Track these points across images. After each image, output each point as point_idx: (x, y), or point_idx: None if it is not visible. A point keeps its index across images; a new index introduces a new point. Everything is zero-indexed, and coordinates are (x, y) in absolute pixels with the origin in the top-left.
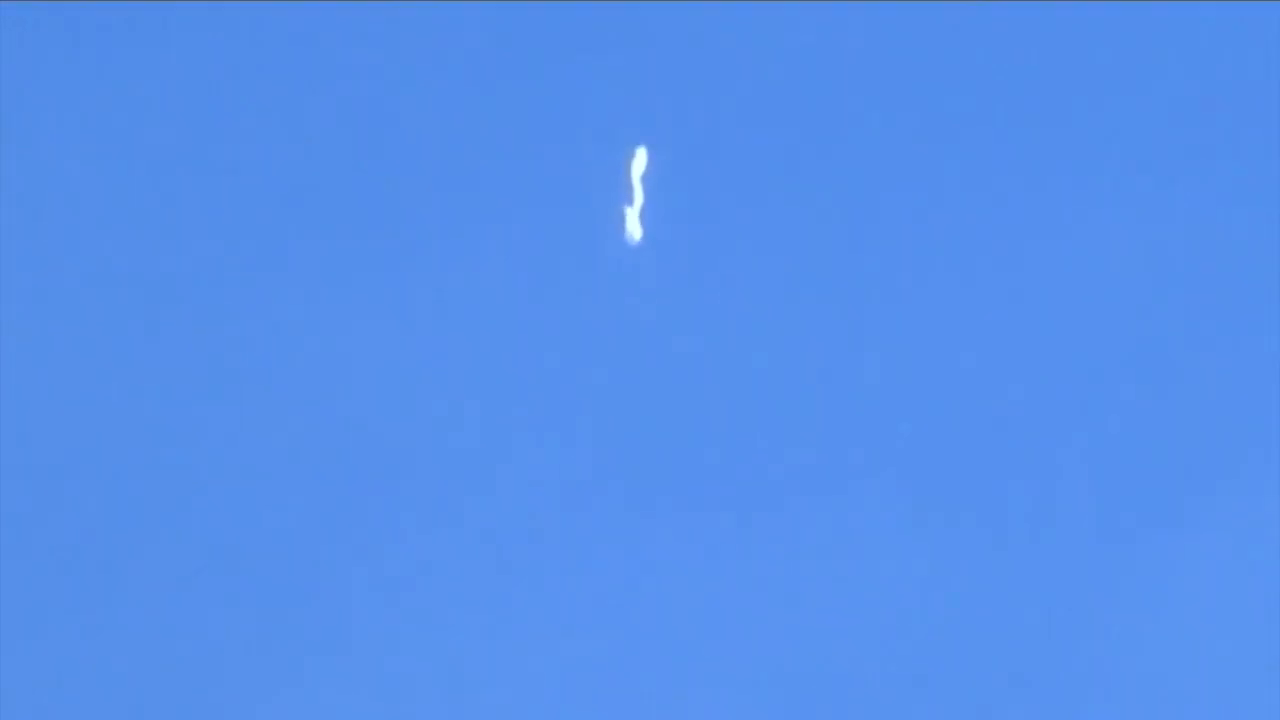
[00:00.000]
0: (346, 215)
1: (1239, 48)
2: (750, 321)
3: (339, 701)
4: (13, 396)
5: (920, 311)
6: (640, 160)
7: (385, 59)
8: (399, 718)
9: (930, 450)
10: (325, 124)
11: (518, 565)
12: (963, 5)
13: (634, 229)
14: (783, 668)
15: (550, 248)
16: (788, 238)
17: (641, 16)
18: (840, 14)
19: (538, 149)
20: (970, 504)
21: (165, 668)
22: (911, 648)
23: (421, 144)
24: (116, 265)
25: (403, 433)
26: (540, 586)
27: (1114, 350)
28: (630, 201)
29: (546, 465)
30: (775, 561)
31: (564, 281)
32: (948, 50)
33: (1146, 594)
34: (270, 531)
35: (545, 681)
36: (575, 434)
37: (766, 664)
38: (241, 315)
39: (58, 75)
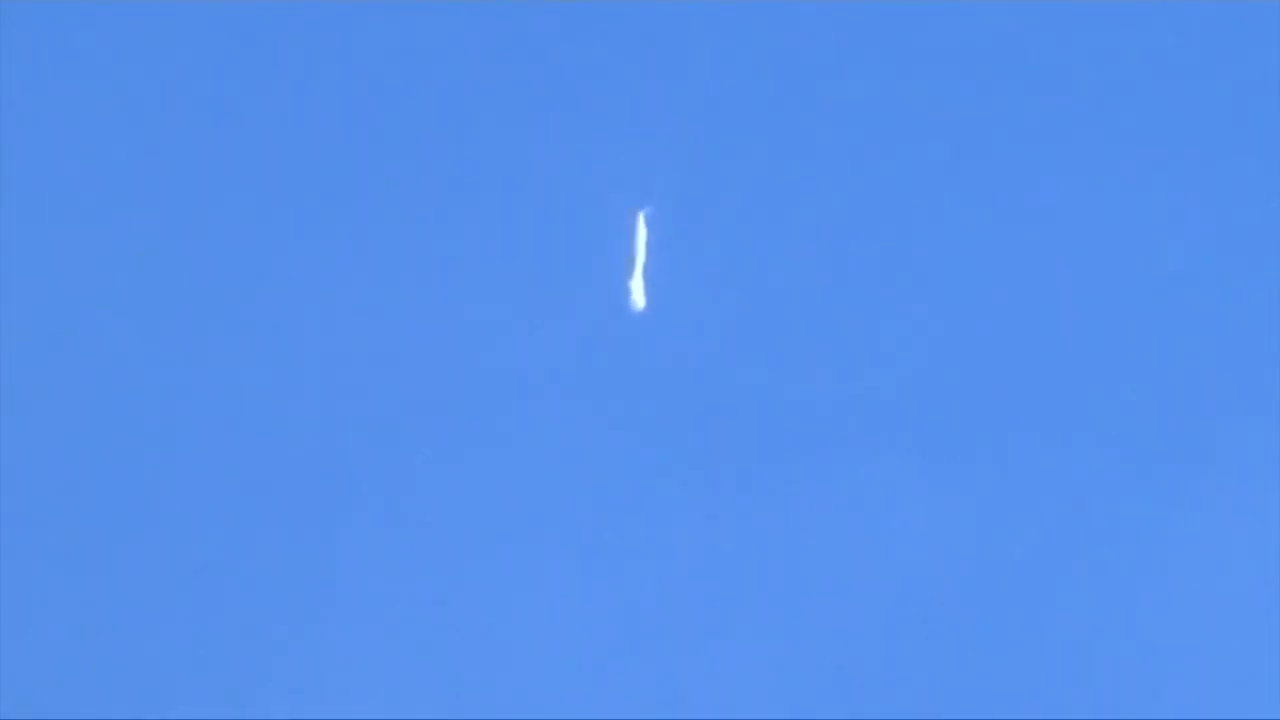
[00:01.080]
0: (352, 229)
1: (1238, 47)
2: (755, 316)
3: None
4: (12, 382)
5: (924, 305)
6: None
7: (391, 90)
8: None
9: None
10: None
11: (521, 558)
12: (964, 19)
13: (638, 296)
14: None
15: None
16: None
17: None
18: (848, 41)
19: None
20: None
21: (167, 643)
22: (925, 615)
23: (427, 190)
24: (113, 257)
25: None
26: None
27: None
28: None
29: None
30: (779, 552)
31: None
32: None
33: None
34: (265, 533)
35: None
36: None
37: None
38: (246, 315)
39: (57, 74)
